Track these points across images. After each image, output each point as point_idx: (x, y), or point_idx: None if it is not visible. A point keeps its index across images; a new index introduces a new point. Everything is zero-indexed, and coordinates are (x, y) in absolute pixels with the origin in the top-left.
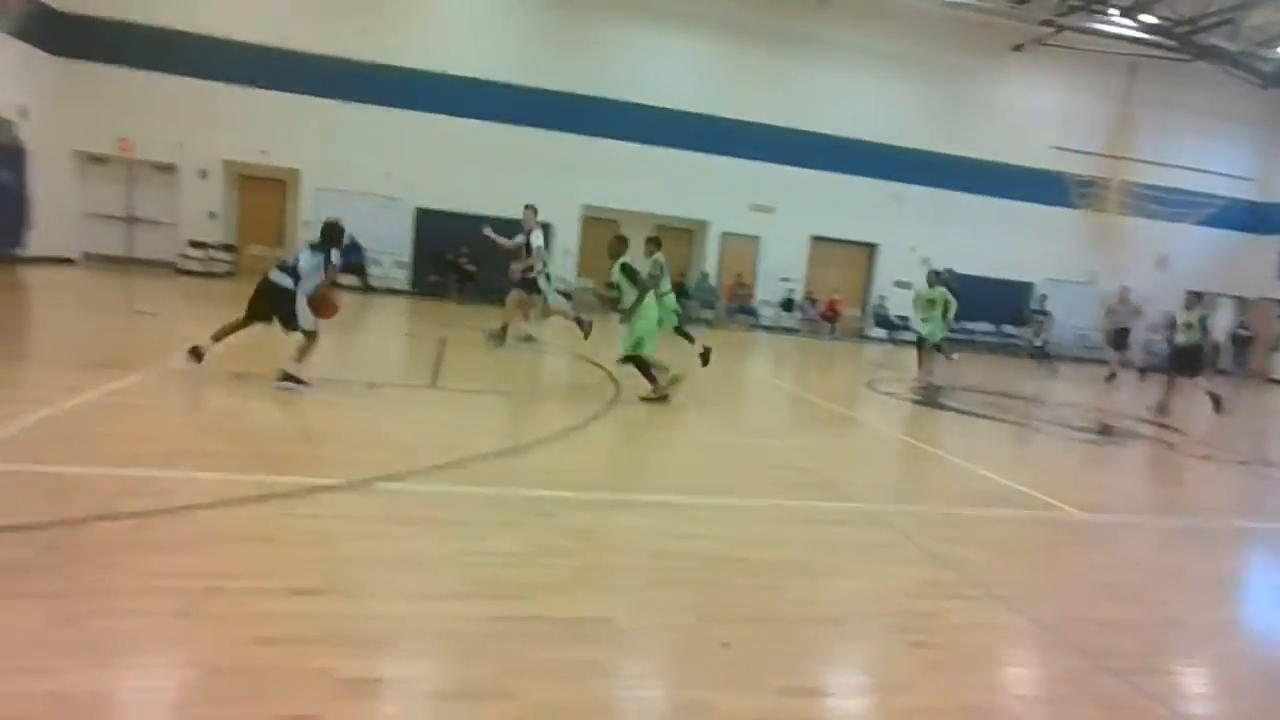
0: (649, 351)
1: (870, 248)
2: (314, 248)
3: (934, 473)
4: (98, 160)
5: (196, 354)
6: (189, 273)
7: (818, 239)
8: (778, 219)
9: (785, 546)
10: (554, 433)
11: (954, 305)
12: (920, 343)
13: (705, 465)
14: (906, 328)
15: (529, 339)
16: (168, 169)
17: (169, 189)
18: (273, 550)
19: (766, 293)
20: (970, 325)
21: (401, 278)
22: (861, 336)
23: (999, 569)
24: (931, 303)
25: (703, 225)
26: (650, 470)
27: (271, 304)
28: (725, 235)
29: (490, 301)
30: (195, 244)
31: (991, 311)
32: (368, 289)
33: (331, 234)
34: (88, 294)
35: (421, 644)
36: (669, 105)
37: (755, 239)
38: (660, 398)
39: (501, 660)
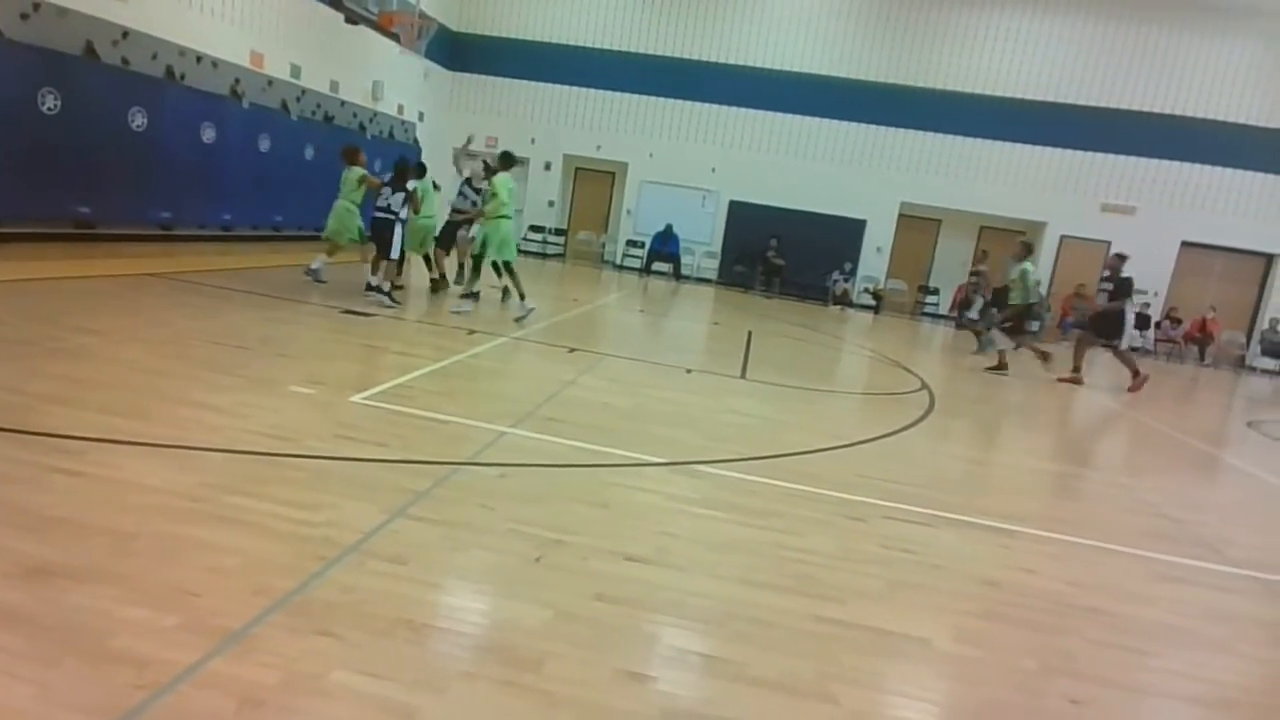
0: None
1: (1267, 259)
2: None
3: None
4: (470, 155)
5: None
6: (526, 253)
7: (1190, 245)
8: (1137, 221)
9: (1151, 605)
10: (864, 436)
11: None
12: None
13: (1040, 495)
14: None
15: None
16: (520, 162)
17: (519, 180)
18: (607, 516)
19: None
20: None
21: (710, 268)
22: (1242, 366)
23: None
24: None
25: (1037, 227)
26: (974, 490)
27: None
28: (1065, 239)
29: (797, 296)
30: (534, 228)
31: None
32: (678, 277)
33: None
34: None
35: (745, 629)
36: (1001, 93)
37: (1103, 244)
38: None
39: (820, 661)
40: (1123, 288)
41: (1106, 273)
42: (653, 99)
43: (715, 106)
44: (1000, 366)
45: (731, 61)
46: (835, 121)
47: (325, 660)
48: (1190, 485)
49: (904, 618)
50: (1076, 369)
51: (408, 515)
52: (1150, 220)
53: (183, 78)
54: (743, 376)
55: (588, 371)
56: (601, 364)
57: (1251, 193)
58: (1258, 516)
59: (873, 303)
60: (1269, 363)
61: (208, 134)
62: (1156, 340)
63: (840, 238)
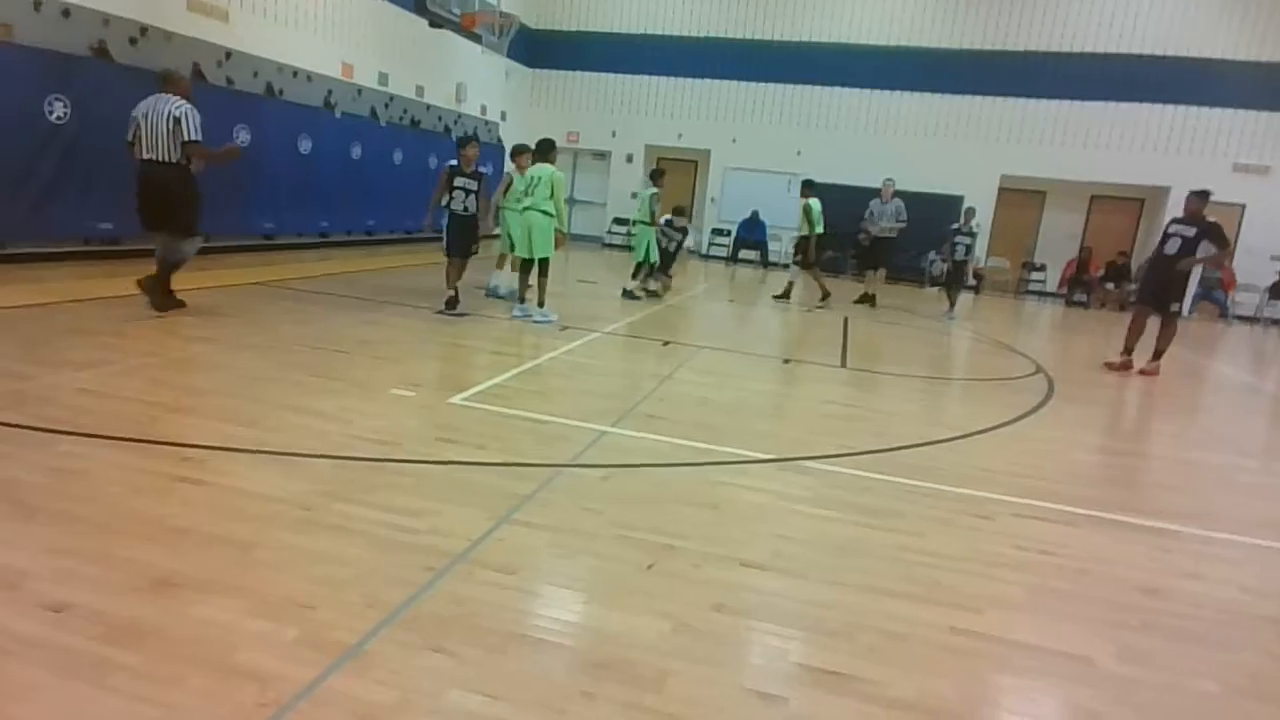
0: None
1: None
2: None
3: None
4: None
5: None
6: (612, 246)
7: None
8: (1273, 181)
9: None
10: (981, 426)
11: None
12: None
13: (1193, 489)
14: None
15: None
16: (602, 155)
17: (602, 173)
18: (718, 518)
19: (1246, 275)
20: None
21: None
22: None
23: None
24: None
25: (1157, 192)
26: (1114, 483)
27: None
28: None
29: (891, 278)
30: (618, 220)
31: None
32: (765, 264)
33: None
34: None
35: (876, 642)
36: (1113, 50)
37: (1237, 207)
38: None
39: (963, 680)
40: (1217, 233)
41: (1182, 215)
42: (732, 83)
43: (797, 87)
44: (784, 295)
45: (810, 39)
46: (924, 94)
47: (440, 678)
48: None
49: (1052, 630)
50: (1129, 350)
51: (513, 521)
52: None
53: (281, 93)
54: (843, 365)
55: (684, 365)
56: (697, 357)
57: None
58: None
59: (972, 282)
60: None
61: (304, 145)
62: None
63: (935, 216)
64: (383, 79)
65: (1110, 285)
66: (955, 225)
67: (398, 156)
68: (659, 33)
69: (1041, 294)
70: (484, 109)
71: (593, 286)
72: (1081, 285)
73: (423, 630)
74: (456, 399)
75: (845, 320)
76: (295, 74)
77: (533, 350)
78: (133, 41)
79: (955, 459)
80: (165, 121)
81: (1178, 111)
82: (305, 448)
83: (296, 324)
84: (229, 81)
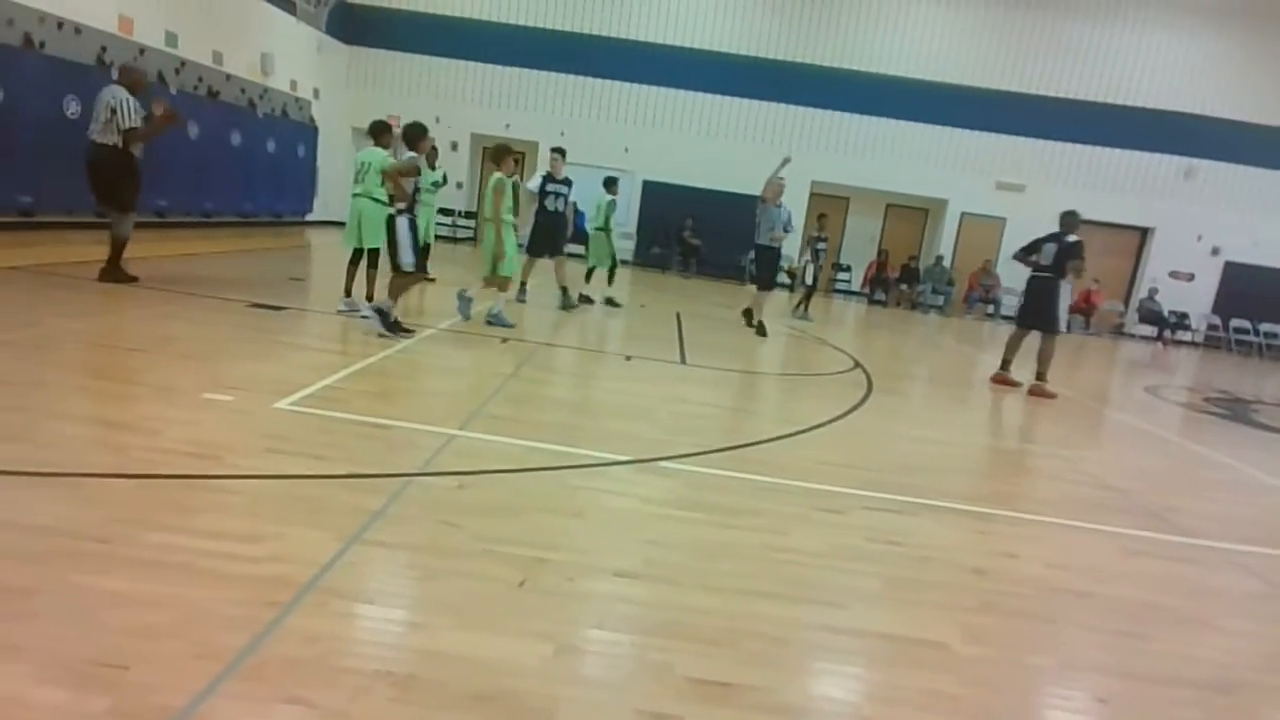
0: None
1: (1143, 232)
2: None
3: None
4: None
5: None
6: (439, 238)
7: None
8: (1027, 198)
9: (1129, 583)
10: (817, 420)
11: None
12: None
13: (996, 474)
14: (1184, 325)
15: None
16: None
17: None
18: (585, 526)
19: (1009, 280)
20: (1269, 327)
21: (626, 249)
22: (1121, 333)
23: None
24: None
25: (940, 204)
26: (935, 472)
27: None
28: (965, 216)
29: (714, 275)
30: (443, 210)
31: None
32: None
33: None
34: None
35: (758, 648)
36: (907, 74)
37: (1000, 220)
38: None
39: (844, 678)
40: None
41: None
42: (563, 76)
43: (627, 84)
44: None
45: (643, 39)
46: (748, 100)
47: None
48: (1120, 454)
49: (911, 620)
50: (1006, 363)
51: (365, 541)
52: (1039, 197)
53: (42, 46)
54: (683, 362)
55: (526, 363)
56: (538, 354)
57: (1129, 170)
58: (1188, 482)
59: (788, 281)
60: (1146, 329)
61: (72, 108)
62: None
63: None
64: (171, 40)
65: (904, 286)
66: (815, 233)
67: (193, 130)
68: (489, 19)
69: (848, 293)
70: (294, 84)
71: (428, 282)
72: (881, 285)
73: (271, 679)
74: (283, 403)
75: (678, 316)
76: (61, 25)
77: (362, 348)
78: None
79: (801, 453)
80: None
81: (955, 133)
82: (96, 465)
83: (72, 317)
84: None
